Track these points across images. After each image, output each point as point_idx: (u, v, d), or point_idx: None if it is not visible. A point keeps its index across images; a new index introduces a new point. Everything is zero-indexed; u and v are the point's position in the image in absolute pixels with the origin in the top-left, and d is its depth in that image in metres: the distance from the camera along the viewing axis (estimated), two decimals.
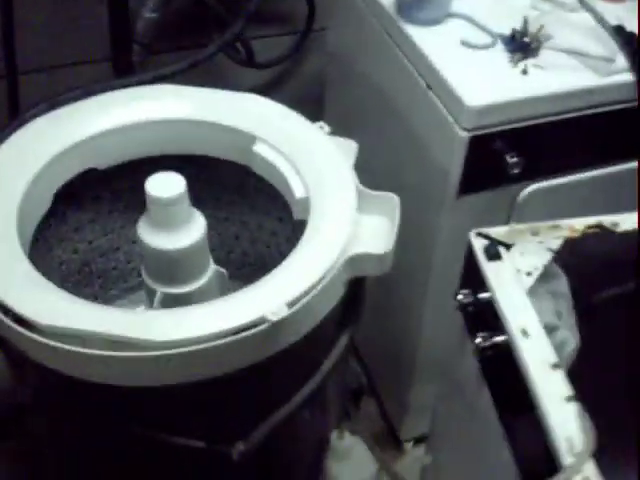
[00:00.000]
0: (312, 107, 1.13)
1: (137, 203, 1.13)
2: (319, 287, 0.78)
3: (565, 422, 0.70)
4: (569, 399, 0.72)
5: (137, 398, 0.79)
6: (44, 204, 0.94)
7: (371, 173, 0.93)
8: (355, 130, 1.06)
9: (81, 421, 0.84)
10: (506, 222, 1.07)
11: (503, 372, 0.82)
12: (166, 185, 0.86)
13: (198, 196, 0.95)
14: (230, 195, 1.11)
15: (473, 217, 1.04)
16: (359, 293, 0.92)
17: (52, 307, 0.76)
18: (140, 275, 1.21)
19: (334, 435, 1.01)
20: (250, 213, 1.15)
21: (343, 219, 0.85)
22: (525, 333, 0.78)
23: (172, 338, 0.73)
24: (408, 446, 1.52)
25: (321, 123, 0.97)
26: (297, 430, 0.95)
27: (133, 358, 0.73)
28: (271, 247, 1.15)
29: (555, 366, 0.75)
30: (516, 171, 0.99)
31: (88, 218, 1.10)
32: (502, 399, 0.83)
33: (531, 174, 1.03)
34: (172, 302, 0.94)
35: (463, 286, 0.89)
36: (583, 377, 0.76)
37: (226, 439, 0.85)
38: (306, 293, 0.77)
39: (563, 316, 0.86)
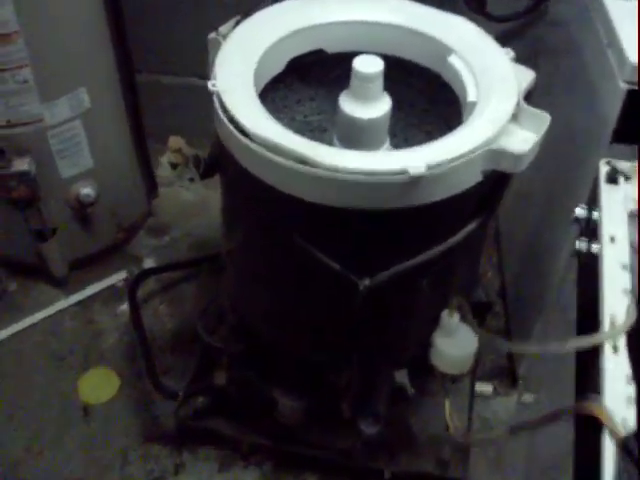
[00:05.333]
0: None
1: None
2: (457, 162, 0.98)
3: (613, 305, 0.86)
4: (624, 292, 0.87)
5: (304, 212, 1.04)
6: (278, 66, 1.20)
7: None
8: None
9: (261, 222, 1.11)
10: None
11: (589, 276, 0.98)
12: (369, 64, 1.10)
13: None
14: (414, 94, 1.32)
15: None
16: (497, 190, 1.10)
17: (267, 127, 1.02)
18: None
19: (444, 313, 1.20)
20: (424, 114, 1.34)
21: (496, 120, 1.03)
22: (613, 240, 0.93)
23: (336, 164, 0.97)
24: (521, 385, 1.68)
25: (508, 49, 1.16)
26: (415, 292, 1.16)
27: (308, 173, 0.98)
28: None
29: (624, 267, 0.90)
30: None
31: (309, 95, 1.36)
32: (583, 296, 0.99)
33: None
34: None
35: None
36: None
37: (358, 272, 1.08)
38: (444, 162, 0.98)
39: None
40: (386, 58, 1.21)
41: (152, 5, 1.92)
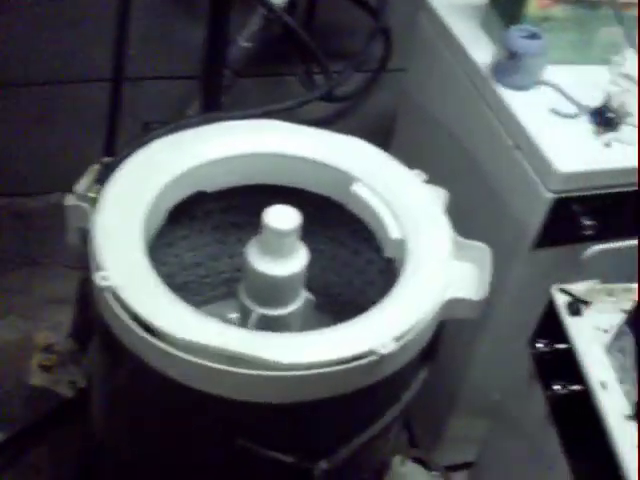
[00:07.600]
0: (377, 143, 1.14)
1: (225, 224, 1.22)
2: (422, 325, 0.86)
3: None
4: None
5: (241, 411, 0.86)
6: (159, 221, 1.01)
7: None
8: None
9: (180, 423, 0.91)
10: (568, 277, 1.15)
11: (575, 419, 0.90)
12: (283, 218, 0.94)
13: None
14: (319, 229, 1.18)
15: (542, 270, 1.13)
16: (440, 332, 1.00)
17: (179, 320, 0.83)
18: (213, 289, 1.30)
19: (397, 460, 1.08)
20: (337, 248, 1.21)
21: (440, 263, 0.93)
22: (604, 386, 0.86)
23: (296, 361, 0.80)
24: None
25: (417, 171, 1.05)
26: (370, 454, 1.03)
27: (254, 376, 0.80)
28: (353, 283, 1.21)
29: (629, 417, 0.83)
30: (590, 233, 1.08)
31: (182, 235, 1.17)
32: (572, 444, 0.90)
33: (601, 236, 1.11)
34: (266, 323, 1.01)
35: (540, 336, 0.97)
36: None
37: (311, 457, 0.93)
38: (411, 329, 0.85)
39: (627, 371, 0.94)
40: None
41: None
